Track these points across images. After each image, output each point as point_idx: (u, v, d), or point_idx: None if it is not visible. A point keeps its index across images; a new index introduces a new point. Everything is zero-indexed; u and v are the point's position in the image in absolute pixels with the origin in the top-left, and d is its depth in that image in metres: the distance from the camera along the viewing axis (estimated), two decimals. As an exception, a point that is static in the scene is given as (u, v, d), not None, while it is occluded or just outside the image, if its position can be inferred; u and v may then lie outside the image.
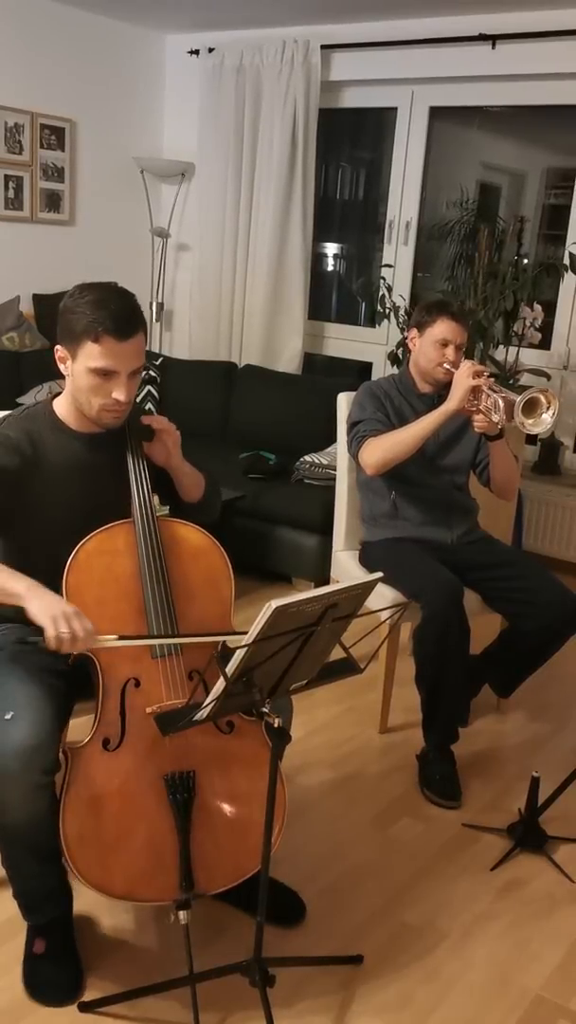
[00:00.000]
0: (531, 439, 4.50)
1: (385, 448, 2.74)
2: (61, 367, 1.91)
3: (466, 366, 2.65)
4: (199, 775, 1.85)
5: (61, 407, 1.98)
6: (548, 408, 2.52)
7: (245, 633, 1.54)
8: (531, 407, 2.53)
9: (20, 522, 1.95)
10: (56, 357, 1.91)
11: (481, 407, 2.63)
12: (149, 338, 5.59)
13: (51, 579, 1.89)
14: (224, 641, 1.93)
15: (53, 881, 1.91)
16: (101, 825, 1.77)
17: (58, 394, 2.01)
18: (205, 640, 1.89)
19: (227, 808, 1.88)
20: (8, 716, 1.74)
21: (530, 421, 2.52)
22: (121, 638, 1.78)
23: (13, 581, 1.75)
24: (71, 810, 1.75)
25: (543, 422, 2.53)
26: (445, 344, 2.79)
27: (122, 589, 1.89)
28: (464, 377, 2.63)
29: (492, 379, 2.65)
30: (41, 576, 1.90)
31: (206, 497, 2.16)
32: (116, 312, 1.82)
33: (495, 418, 2.60)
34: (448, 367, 2.78)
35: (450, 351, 2.79)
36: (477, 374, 2.62)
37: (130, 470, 1.99)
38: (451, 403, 2.65)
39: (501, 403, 2.56)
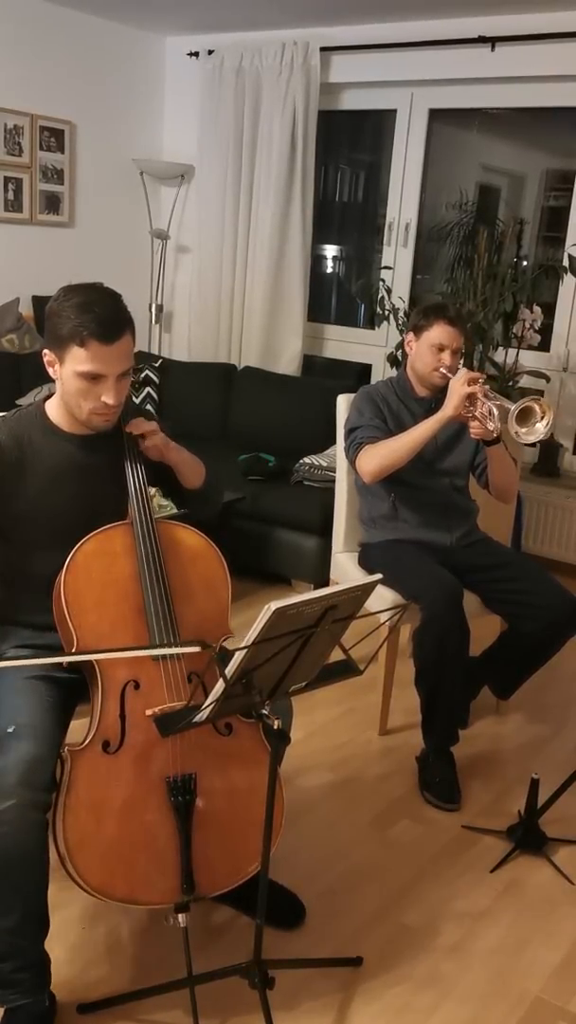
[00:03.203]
0: (530, 441, 4.51)
1: (382, 455, 2.75)
2: (50, 371, 1.89)
3: (462, 373, 2.65)
4: (200, 777, 1.84)
5: (53, 409, 1.97)
6: (542, 418, 2.53)
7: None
8: (525, 416, 2.53)
9: (15, 526, 1.94)
10: (44, 361, 1.89)
11: (477, 414, 2.64)
12: (148, 340, 5.61)
13: (49, 580, 1.89)
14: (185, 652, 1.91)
15: (32, 952, 1.77)
16: (102, 828, 1.77)
17: (49, 396, 1.99)
18: (140, 653, 1.85)
19: (227, 810, 1.87)
20: (10, 729, 1.74)
21: (524, 430, 2.53)
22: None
23: None
24: (71, 813, 1.74)
25: (536, 431, 2.54)
26: (441, 348, 2.79)
27: (121, 591, 1.89)
28: (459, 384, 2.63)
29: (487, 386, 2.66)
30: (42, 577, 1.90)
31: (208, 484, 2.16)
32: (101, 315, 1.80)
33: (490, 426, 2.61)
34: (444, 372, 2.78)
35: (446, 356, 2.79)
36: (472, 381, 2.62)
37: (127, 471, 1.98)
38: (446, 410, 2.66)
39: (496, 411, 2.57)
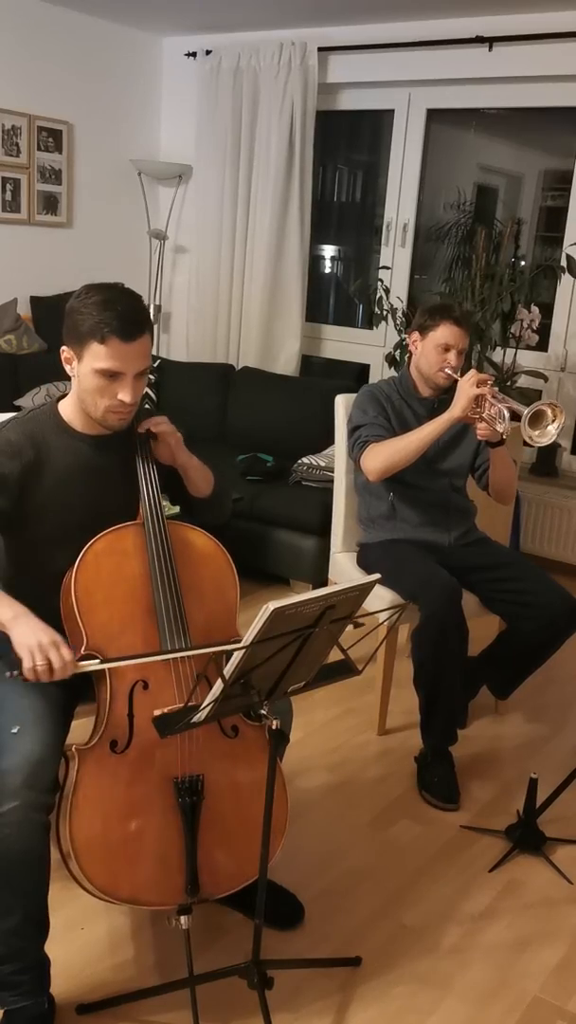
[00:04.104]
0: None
1: (388, 454, 2.74)
2: (67, 368, 1.90)
3: (471, 374, 2.65)
4: (207, 778, 1.84)
5: (67, 409, 1.97)
6: (554, 420, 2.53)
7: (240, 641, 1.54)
8: (536, 419, 2.54)
9: (26, 525, 1.94)
10: (62, 358, 1.90)
11: (484, 415, 2.64)
12: (147, 340, 5.60)
13: (57, 579, 1.89)
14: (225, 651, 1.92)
15: (32, 954, 1.78)
16: (108, 828, 1.76)
17: (63, 396, 2.00)
18: (199, 653, 1.86)
19: (233, 812, 1.87)
20: (14, 731, 1.73)
21: (536, 432, 2.53)
22: (103, 661, 1.75)
23: (1, 608, 1.73)
24: (78, 812, 1.74)
25: (548, 434, 2.54)
26: (447, 348, 2.79)
27: (130, 590, 1.89)
28: (468, 386, 2.63)
29: (495, 388, 2.65)
30: (52, 576, 1.90)
31: (216, 492, 2.15)
32: (122, 313, 1.81)
33: (499, 427, 2.61)
34: (449, 372, 2.78)
35: (452, 356, 2.79)
36: (481, 382, 2.62)
37: (139, 472, 1.98)
38: (454, 411, 2.66)
39: (506, 412, 2.57)
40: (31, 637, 1.68)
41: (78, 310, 1.84)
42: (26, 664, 1.67)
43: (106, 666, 1.77)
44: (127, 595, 1.88)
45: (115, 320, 1.80)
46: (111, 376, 1.84)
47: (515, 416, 2.55)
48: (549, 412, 2.53)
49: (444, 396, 2.82)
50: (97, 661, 1.75)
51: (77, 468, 1.96)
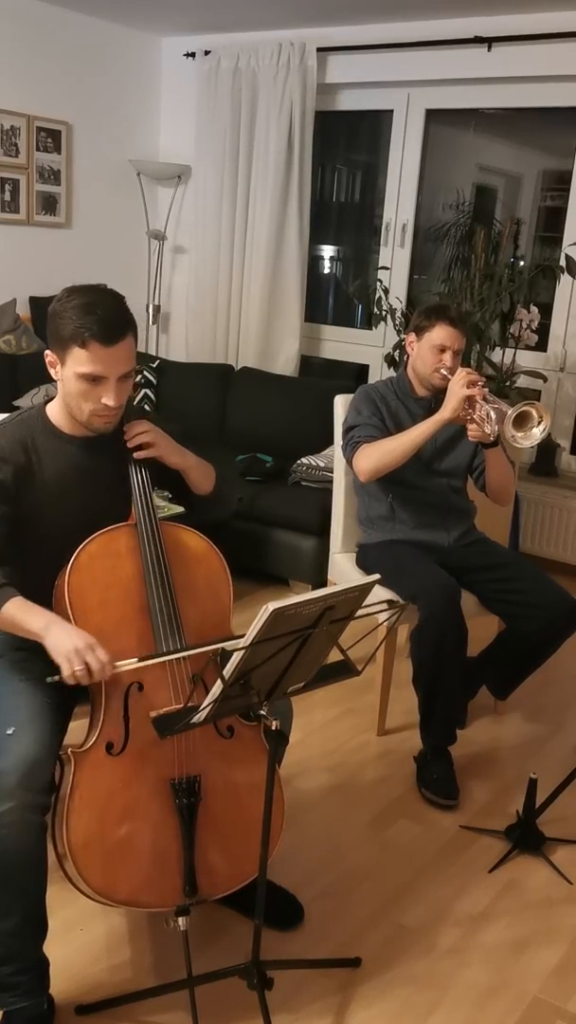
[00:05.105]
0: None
1: (379, 455, 2.75)
2: (51, 372, 1.89)
3: (461, 375, 2.65)
4: (204, 779, 1.84)
5: (54, 412, 1.97)
6: (540, 423, 2.53)
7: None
8: (522, 420, 2.53)
9: (20, 529, 1.94)
10: (46, 362, 1.90)
11: (475, 416, 2.64)
12: (146, 341, 5.60)
13: (51, 581, 1.89)
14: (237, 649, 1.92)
15: (31, 955, 1.78)
16: (105, 830, 1.76)
17: (51, 399, 1.99)
18: (222, 647, 1.86)
19: (230, 813, 1.87)
20: (9, 731, 1.73)
21: (520, 434, 2.53)
22: (141, 659, 1.76)
23: (32, 617, 1.75)
24: (75, 814, 1.74)
25: (533, 436, 2.54)
26: (442, 349, 2.79)
27: (124, 591, 1.89)
28: (459, 386, 2.63)
29: (486, 389, 2.65)
30: (43, 579, 1.90)
31: (218, 488, 2.14)
32: (103, 316, 1.80)
33: (487, 429, 2.61)
34: (445, 373, 2.78)
35: (447, 356, 2.79)
36: (472, 383, 2.62)
37: (130, 473, 1.98)
38: (445, 412, 2.66)
39: (494, 414, 2.57)
40: (67, 642, 1.70)
41: (59, 314, 1.82)
42: (65, 672, 1.69)
43: (142, 664, 1.76)
44: (121, 596, 1.88)
45: (96, 324, 1.79)
46: (94, 380, 1.83)
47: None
48: (535, 414, 2.53)
49: (440, 396, 2.82)
50: (135, 660, 1.75)
51: (68, 471, 1.95)
